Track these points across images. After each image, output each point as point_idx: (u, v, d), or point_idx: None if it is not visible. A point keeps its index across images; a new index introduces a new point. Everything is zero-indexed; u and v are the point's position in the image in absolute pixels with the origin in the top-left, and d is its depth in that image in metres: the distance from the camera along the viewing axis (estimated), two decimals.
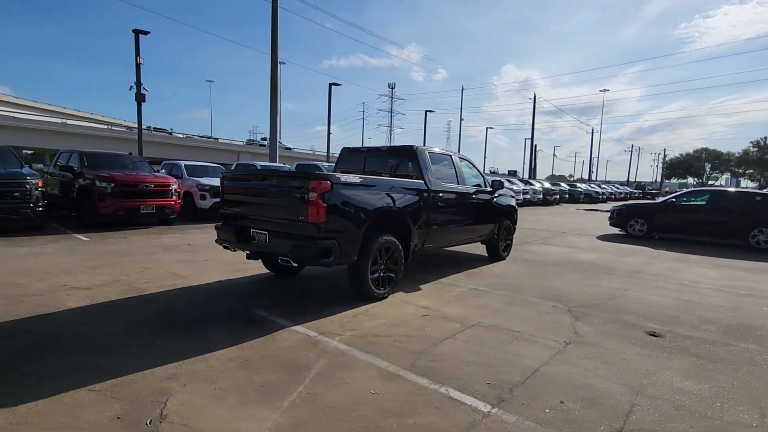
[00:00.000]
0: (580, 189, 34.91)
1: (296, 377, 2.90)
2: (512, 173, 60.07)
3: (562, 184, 34.99)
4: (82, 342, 3.37)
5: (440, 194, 5.72)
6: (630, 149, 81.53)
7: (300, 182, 4.23)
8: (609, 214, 12.41)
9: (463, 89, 53.53)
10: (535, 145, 47.42)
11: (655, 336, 3.96)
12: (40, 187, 8.77)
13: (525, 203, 25.68)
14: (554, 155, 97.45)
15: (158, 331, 3.63)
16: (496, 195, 7.19)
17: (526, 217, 17.32)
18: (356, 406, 2.56)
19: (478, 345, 3.59)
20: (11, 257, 6.31)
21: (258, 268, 5.93)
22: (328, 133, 26.41)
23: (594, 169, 73.59)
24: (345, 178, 4.38)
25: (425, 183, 5.51)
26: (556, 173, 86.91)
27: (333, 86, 25.44)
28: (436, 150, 6.22)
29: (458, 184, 6.27)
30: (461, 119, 53.28)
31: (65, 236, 8.41)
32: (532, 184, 29.56)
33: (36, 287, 4.79)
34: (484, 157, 63.98)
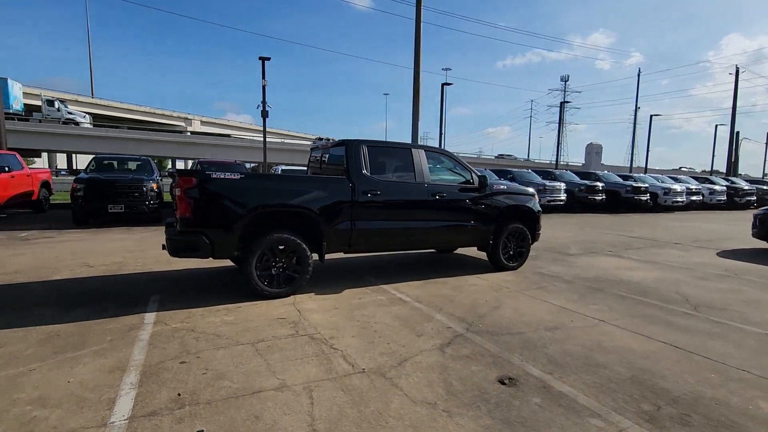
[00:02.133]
0: None
1: (121, 344, 3.20)
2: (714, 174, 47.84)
3: None
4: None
5: (374, 191, 5.23)
6: None
7: (174, 180, 4.52)
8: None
9: (639, 72, 45.10)
10: (737, 133, 36.70)
11: None
12: (155, 189, 11.28)
13: (692, 205, 20.44)
14: None
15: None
16: (491, 194, 6.11)
17: (664, 223, 13.89)
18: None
19: (244, 361, 3.27)
20: (114, 239, 8.38)
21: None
22: (440, 135, 25.86)
23: None
24: (217, 175, 4.48)
25: (350, 179, 5.14)
26: None
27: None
28: (385, 144, 5.70)
29: (416, 180, 5.61)
30: (636, 108, 45.02)
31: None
32: (712, 183, 23.26)
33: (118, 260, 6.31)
34: (713, 155, 53.04)
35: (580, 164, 53.54)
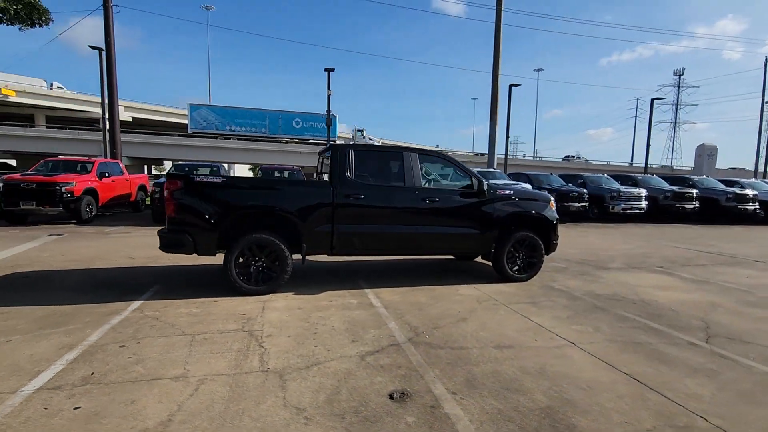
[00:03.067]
0: None
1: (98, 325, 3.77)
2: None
3: None
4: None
5: (357, 195, 5.24)
6: None
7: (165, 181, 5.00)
8: None
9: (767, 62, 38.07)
10: None
11: None
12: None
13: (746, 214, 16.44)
14: None
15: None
16: (491, 200, 5.73)
17: (725, 235, 11.73)
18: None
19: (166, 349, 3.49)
20: None
21: None
22: (507, 137, 24.38)
23: None
24: (200, 178, 4.86)
25: (331, 182, 5.21)
26: None
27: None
28: (375, 148, 5.67)
29: (405, 184, 5.49)
30: (763, 103, 38.04)
31: None
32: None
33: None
34: None
35: (690, 168, 46.83)
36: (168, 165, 60.99)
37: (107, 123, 19.45)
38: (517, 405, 2.68)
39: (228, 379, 2.92)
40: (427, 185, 5.72)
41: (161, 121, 59.47)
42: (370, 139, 50.93)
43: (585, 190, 14.68)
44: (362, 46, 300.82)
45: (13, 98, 49.55)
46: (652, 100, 28.73)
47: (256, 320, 4.14)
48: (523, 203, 5.97)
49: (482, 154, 52.05)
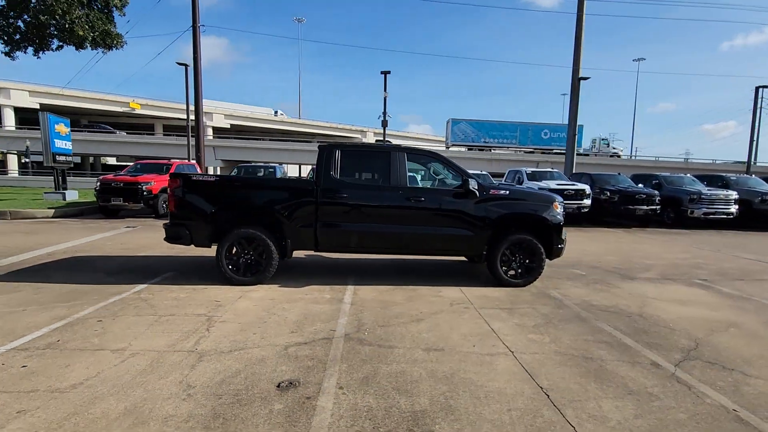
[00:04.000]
0: None
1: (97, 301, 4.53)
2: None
3: None
4: None
5: (340, 194, 5.40)
6: None
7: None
8: None
9: None
10: None
11: None
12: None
13: None
14: None
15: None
16: (482, 200, 5.50)
17: None
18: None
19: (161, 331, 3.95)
20: None
21: None
22: (573, 136, 22.00)
23: None
24: (198, 177, 5.39)
25: (316, 181, 5.43)
26: None
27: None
28: (362, 147, 5.75)
29: (390, 183, 5.51)
30: None
31: None
32: None
33: None
34: None
35: None
36: None
37: (199, 129, 21.93)
38: (391, 406, 2.65)
39: (155, 355, 3.29)
40: (426, 184, 5.68)
41: (256, 127, 64.86)
42: (614, 149, 51.49)
43: (657, 192, 13.09)
44: (439, 47, 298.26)
45: (138, 111, 57.65)
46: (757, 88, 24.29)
47: (225, 307, 4.52)
48: (519, 204, 5.63)
49: (554, 152, 48.92)
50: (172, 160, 15.81)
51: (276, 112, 69.01)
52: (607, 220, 13.99)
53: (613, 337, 3.91)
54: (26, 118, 47.90)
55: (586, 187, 12.89)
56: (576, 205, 12.62)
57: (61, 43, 8.87)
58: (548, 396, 2.80)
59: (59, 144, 15.90)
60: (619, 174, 15.08)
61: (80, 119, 59.43)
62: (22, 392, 2.71)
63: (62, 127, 16.17)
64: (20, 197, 17.18)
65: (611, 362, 3.36)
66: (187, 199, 5.36)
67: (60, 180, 16.21)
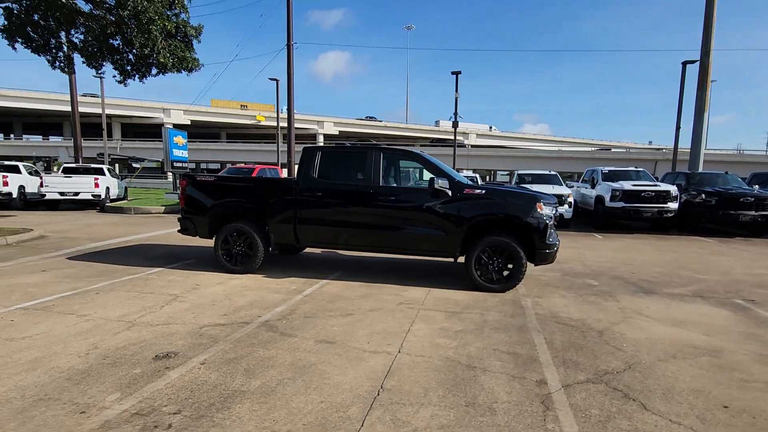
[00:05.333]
0: None
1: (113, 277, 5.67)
2: None
3: None
4: None
5: (316, 192, 5.69)
6: None
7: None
8: None
9: None
10: None
11: None
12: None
13: None
14: None
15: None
16: (455, 199, 5.27)
17: None
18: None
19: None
20: None
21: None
22: (677, 129, 17.87)
23: None
24: (200, 177, 6.16)
25: (296, 180, 5.80)
26: None
27: None
28: (341, 148, 5.92)
29: (364, 182, 5.61)
30: None
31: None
32: None
33: None
34: None
35: None
36: None
37: (290, 135, 24.18)
38: (223, 384, 2.86)
39: (102, 322, 3.98)
40: (387, 184, 5.68)
41: (364, 133, 68.34)
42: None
43: None
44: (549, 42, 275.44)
45: (263, 122, 65.13)
46: None
47: (198, 291, 5.14)
48: (495, 204, 5.25)
49: (657, 149, 41.94)
50: (256, 165, 17.77)
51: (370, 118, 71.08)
52: (708, 227, 11.75)
53: (532, 349, 3.51)
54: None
55: (672, 189, 11.02)
56: (657, 209, 10.90)
57: (158, 71, 10.69)
58: (378, 394, 2.73)
59: (177, 153, 19.03)
60: (726, 173, 12.52)
61: (220, 132, 69.26)
62: None
63: (180, 139, 19.33)
64: (151, 196, 20.99)
65: (492, 373, 3.06)
66: (193, 197, 6.20)
67: (176, 183, 19.39)
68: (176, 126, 57.95)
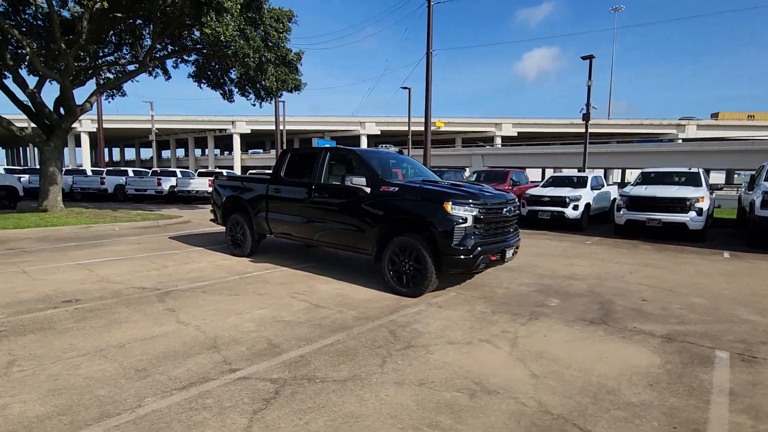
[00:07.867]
0: None
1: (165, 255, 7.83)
2: None
3: None
4: None
5: (278, 190, 6.42)
6: None
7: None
8: None
9: None
10: None
11: None
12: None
13: None
14: None
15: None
16: (372, 196, 5.19)
17: None
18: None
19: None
20: None
21: None
22: None
23: None
24: (221, 177, 7.62)
25: (271, 179, 6.64)
26: None
27: None
28: (305, 150, 6.49)
29: (309, 180, 6.07)
30: None
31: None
32: None
33: None
34: None
35: None
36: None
37: (426, 139, 24.96)
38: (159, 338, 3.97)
39: (103, 275, 5.70)
40: (325, 182, 5.94)
41: (547, 132, 63.57)
42: None
43: None
44: None
45: (443, 128, 67.84)
46: None
47: (188, 265, 6.54)
48: (403, 202, 4.97)
49: None
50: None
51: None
52: None
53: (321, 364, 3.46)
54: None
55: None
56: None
57: (265, 93, 13.25)
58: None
59: None
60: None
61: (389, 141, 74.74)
62: (38, 276, 5.65)
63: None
64: None
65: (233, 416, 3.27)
66: (217, 192, 7.75)
67: None
68: (369, 136, 65.55)
